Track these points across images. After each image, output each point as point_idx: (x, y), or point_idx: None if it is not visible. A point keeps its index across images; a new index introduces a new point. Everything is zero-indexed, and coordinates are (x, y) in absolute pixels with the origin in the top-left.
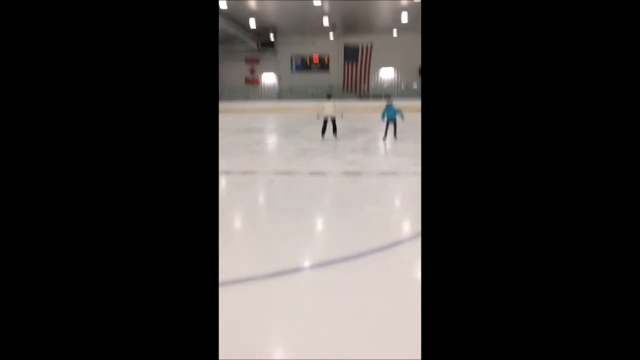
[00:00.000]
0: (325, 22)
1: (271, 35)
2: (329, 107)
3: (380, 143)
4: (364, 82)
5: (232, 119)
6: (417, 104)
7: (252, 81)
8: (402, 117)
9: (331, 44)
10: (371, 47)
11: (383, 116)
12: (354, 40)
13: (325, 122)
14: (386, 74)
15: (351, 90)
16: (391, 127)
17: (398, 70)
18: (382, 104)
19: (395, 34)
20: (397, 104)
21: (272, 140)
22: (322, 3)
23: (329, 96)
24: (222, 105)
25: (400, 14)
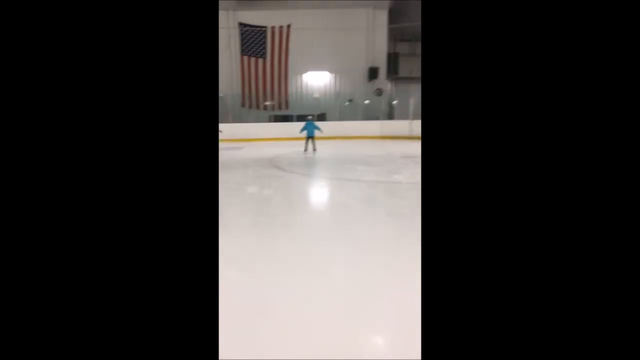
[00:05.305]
0: None
1: None
2: None
3: None
4: (281, 92)
5: None
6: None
7: None
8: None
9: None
10: (288, 30)
11: (301, 131)
12: (256, 16)
13: None
14: (315, 79)
15: (254, 106)
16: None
17: (336, 72)
18: None
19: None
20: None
21: None
22: None
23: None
24: None
25: None
